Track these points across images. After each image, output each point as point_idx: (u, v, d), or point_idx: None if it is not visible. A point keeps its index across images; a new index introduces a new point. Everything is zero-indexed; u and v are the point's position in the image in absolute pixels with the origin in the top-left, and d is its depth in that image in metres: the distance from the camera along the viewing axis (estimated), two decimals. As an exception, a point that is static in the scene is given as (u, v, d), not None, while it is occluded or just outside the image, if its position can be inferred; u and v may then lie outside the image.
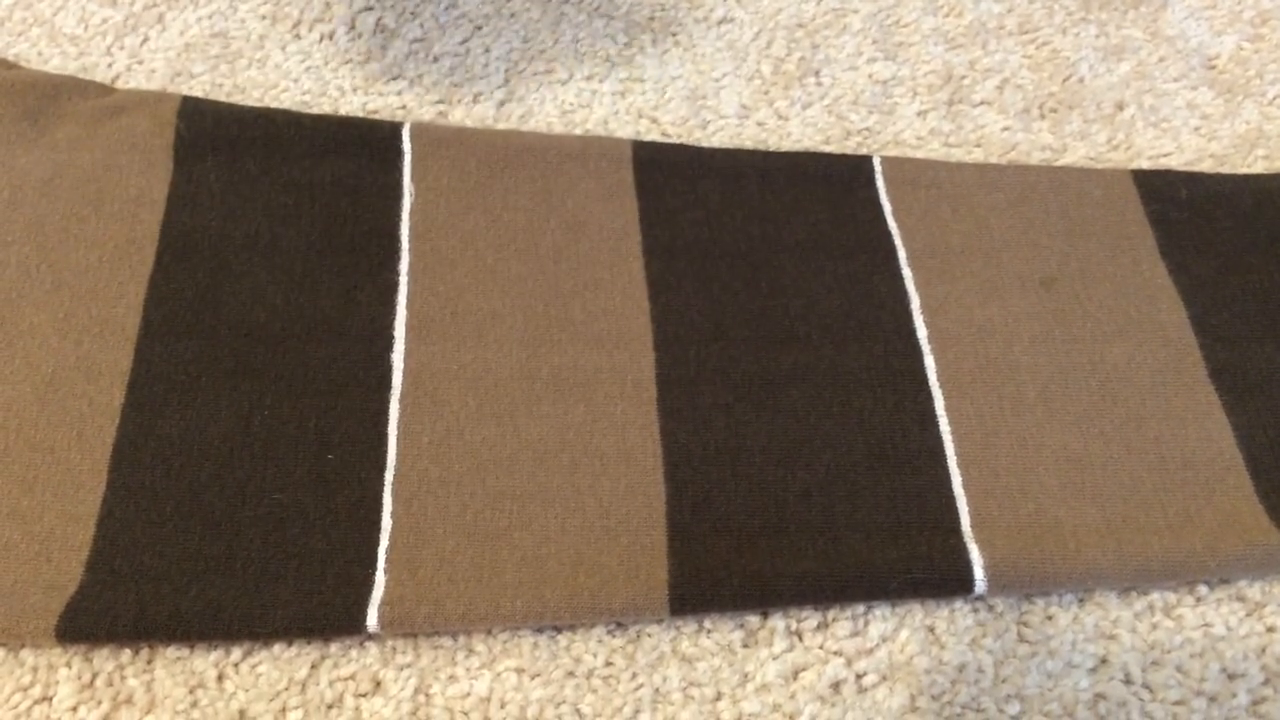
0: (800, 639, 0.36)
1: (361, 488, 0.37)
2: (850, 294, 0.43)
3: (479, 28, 0.52)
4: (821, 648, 0.36)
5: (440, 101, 0.49)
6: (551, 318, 0.42)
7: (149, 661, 0.35)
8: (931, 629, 0.37)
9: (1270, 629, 0.37)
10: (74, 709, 0.34)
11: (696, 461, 0.38)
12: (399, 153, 0.46)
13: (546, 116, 0.49)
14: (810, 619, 0.37)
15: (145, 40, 0.51)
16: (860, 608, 0.37)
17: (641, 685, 0.35)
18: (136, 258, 0.42)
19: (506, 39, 0.51)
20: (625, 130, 0.48)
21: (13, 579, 0.35)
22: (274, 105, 0.48)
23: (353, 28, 0.51)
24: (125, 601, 0.34)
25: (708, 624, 0.37)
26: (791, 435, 0.39)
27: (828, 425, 0.40)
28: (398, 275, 0.42)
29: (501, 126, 0.48)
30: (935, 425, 0.40)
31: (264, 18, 0.51)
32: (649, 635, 0.36)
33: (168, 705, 0.34)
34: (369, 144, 0.46)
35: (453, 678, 0.35)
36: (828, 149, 0.48)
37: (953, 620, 0.37)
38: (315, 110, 0.48)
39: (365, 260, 0.43)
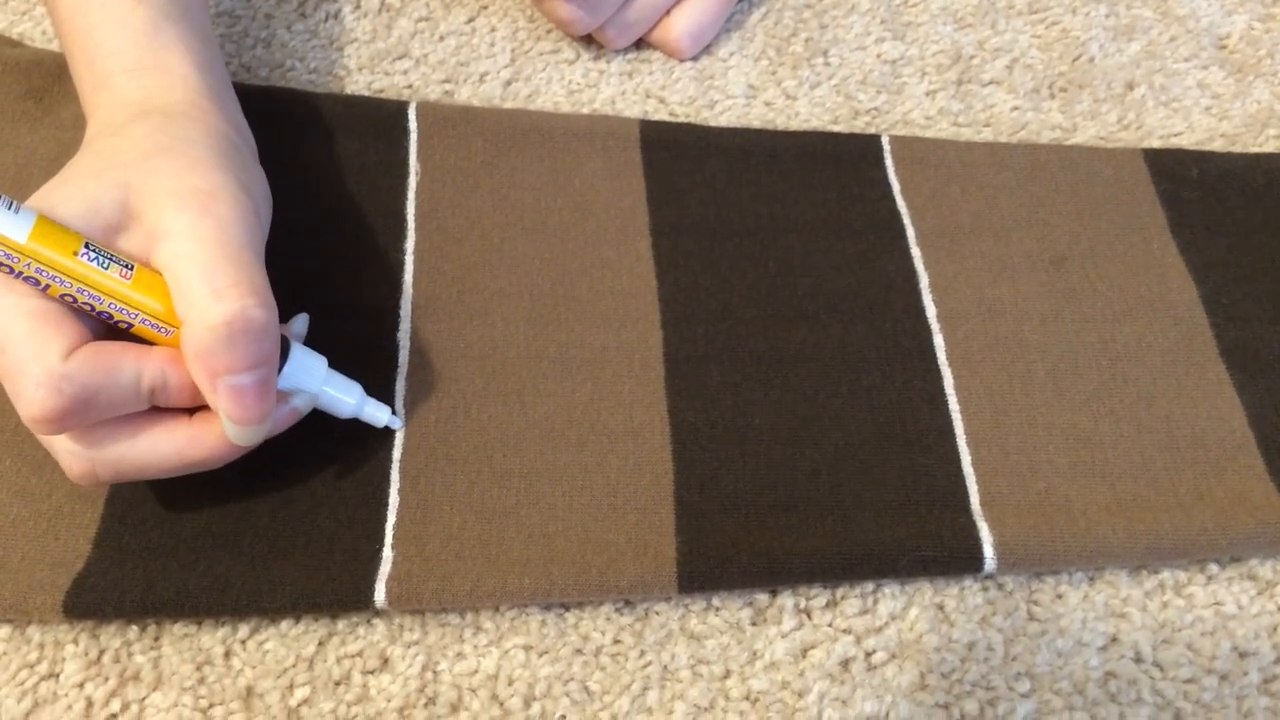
0: (809, 617, 0.36)
1: (369, 465, 0.37)
2: (859, 273, 0.43)
3: (485, 6, 0.51)
4: (830, 626, 0.36)
5: (446, 80, 0.49)
6: (558, 296, 0.42)
7: (156, 638, 0.35)
8: (941, 607, 0.36)
9: (1281, 607, 0.37)
10: (80, 685, 0.34)
11: (704, 440, 0.38)
12: (405, 131, 0.45)
13: (553, 96, 0.48)
14: (819, 597, 0.37)
15: (150, 20, 0.50)
16: (869, 586, 0.37)
17: (650, 663, 0.35)
18: (142, 236, 0.42)
19: (512, 18, 0.51)
20: (632, 110, 0.48)
21: (20, 555, 0.35)
22: (280, 84, 0.48)
23: (358, 6, 0.51)
24: (132, 577, 0.34)
25: (716, 602, 0.36)
26: (800, 414, 0.39)
27: (836, 404, 0.39)
28: (404, 254, 0.42)
29: (508, 106, 0.48)
30: (944, 404, 0.40)
31: (269, -3, 0.51)
32: (657, 613, 0.36)
33: (175, 682, 0.34)
34: (375, 123, 0.46)
35: (460, 655, 0.35)
36: (836, 129, 0.48)
37: (962, 598, 0.37)
38: (321, 89, 0.48)
39: (371, 239, 0.42)
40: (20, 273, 0.30)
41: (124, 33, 0.38)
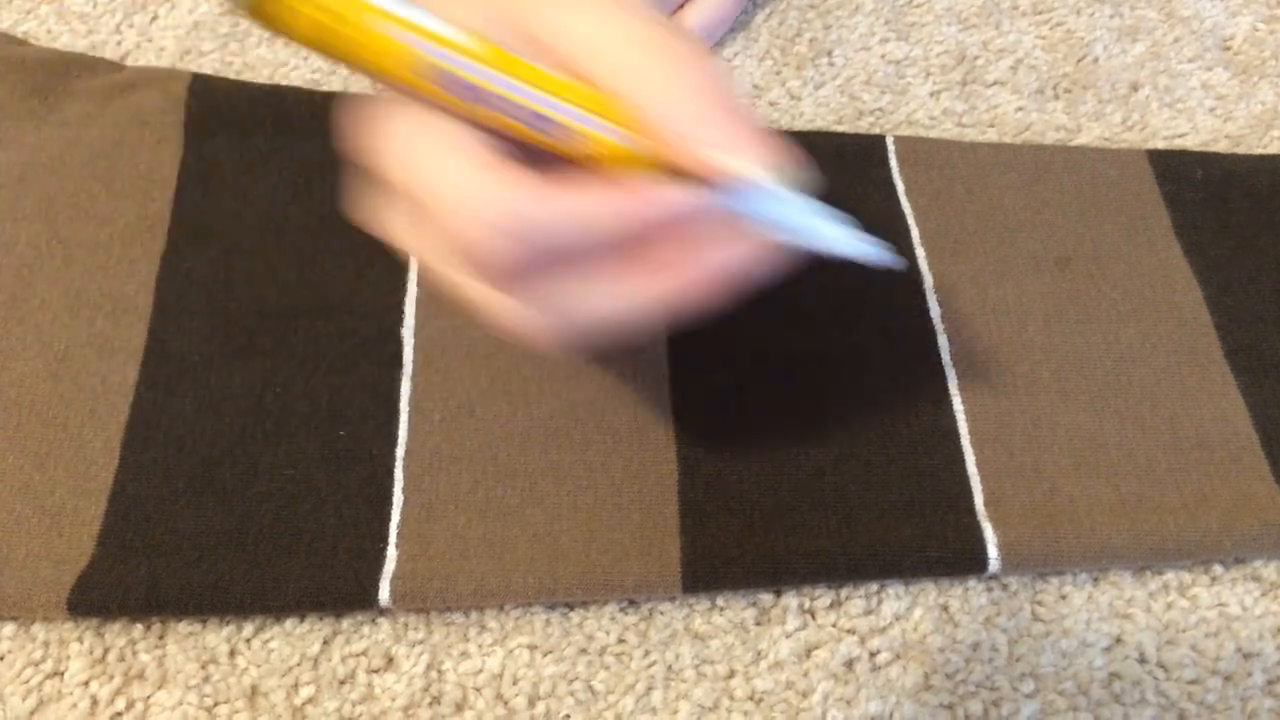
0: (813, 617, 0.36)
1: (373, 463, 0.37)
2: (863, 273, 0.43)
3: (490, 7, 0.51)
4: (835, 626, 0.36)
5: (451, 80, 0.49)
6: (563, 296, 0.41)
7: (161, 637, 0.35)
8: (945, 608, 0.36)
9: (1286, 609, 0.37)
10: (85, 684, 0.34)
11: (708, 440, 0.38)
12: (410, 131, 0.45)
13: (557, 96, 0.48)
14: (823, 597, 0.37)
15: (154, 18, 0.50)
16: (873, 586, 0.37)
17: (654, 662, 0.35)
18: (148, 235, 0.42)
19: (517, 18, 0.51)
20: (637, 110, 0.48)
21: (24, 552, 0.35)
22: (283, 83, 0.48)
23: (363, 6, 0.51)
24: (136, 574, 0.34)
25: (720, 602, 0.36)
26: (803, 414, 0.39)
27: (840, 405, 0.39)
28: (409, 253, 0.42)
29: (512, 105, 0.48)
30: (948, 405, 0.39)
31: (274, -4, 0.51)
32: (661, 613, 0.36)
33: (179, 680, 0.34)
34: (379, 122, 0.46)
35: (465, 654, 0.35)
36: (840, 129, 0.48)
37: (966, 599, 0.37)
38: (324, 88, 0.48)
39: (375, 237, 0.42)
40: (485, 97, 0.26)
41: None
